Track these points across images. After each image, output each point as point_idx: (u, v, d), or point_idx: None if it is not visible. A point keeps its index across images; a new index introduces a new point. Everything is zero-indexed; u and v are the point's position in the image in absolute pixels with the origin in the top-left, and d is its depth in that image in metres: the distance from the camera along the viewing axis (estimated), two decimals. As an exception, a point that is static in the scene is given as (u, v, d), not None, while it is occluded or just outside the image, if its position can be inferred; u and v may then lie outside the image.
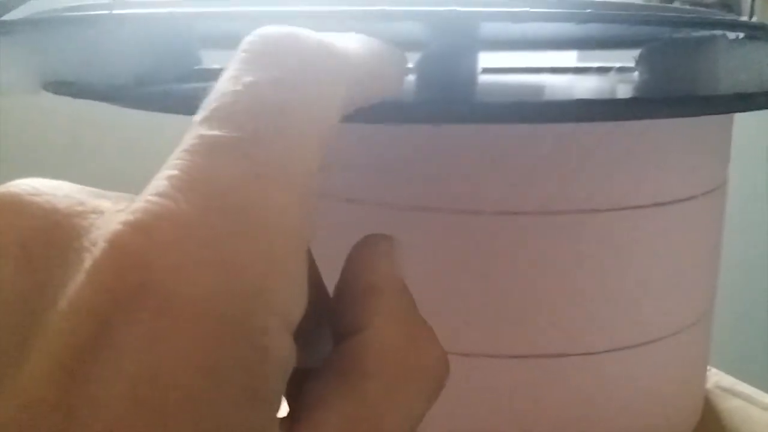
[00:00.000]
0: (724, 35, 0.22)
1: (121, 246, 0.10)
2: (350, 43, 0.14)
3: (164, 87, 0.20)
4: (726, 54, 0.22)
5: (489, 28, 0.22)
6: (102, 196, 0.12)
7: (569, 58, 0.53)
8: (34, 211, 0.11)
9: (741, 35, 0.22)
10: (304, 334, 0.12)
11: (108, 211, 0.11)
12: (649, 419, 0.28)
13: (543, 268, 0.25)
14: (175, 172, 0.11)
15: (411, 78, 0.31)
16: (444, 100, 0.21)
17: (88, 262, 0.10)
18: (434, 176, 0.24)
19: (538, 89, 0.33)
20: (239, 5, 0.16)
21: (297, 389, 0.13)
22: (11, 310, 0.11)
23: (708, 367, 0.35)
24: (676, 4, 1.18)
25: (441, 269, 0.25)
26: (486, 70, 0.38)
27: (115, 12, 0.16)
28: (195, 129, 0.11)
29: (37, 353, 0.10)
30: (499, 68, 0.42)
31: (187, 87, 0.22)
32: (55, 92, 0.20)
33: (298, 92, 0.12)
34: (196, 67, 0.24)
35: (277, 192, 0.11)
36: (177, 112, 0.18)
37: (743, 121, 0.30)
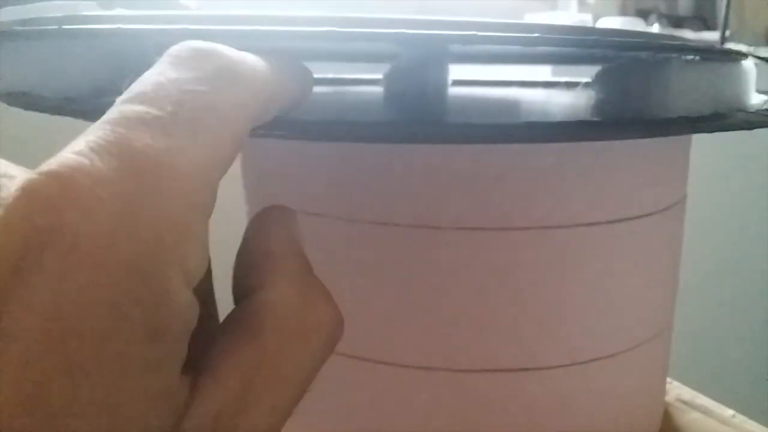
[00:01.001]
0: (678, 57, 0.22)
1: (35, 191, 0.11)
2: (259, 60, 0.15)
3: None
4: (680, 75, 0.22)
5: (455, 45, 0.23)
6: (13, 166, 0.13)
7: (542, 71, 0.54)
8: None
9: (696, 57, 0.23)
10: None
11: (20, 176, 0.12)
12: (606, 433, 0.28)
13: (500, 283, 0.25)
14: (93, 137, 0.12)
15: (380, 91, 0.31)
16: (411, 118, 0.21)
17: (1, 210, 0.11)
18: (393, 191, 0.24)
19: (507, 105, 0.34)
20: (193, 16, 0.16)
21: (200, 351, 0.13)
22: None
23: (669, 380, 0.36)
24: (652, 18, 1.19)
25: (399, 283, 0.25)
26: (456, 83, 0.38)
27: (64, 27, 0.16)
28: (117, 106, 0.12)
29: None
30: (470, 81, 0.42)
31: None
32: (9, 104, 0.20)
33: (215, 92, 0.13)
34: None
35: (187, 165, 0.12)
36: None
37: (704, 137, 0.31)
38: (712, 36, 1.06)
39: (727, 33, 1.01)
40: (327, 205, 0.26)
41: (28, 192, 0.11)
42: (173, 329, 0.12)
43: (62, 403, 0.10)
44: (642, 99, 0.23)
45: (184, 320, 0.12)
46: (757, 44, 1.11)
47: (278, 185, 0.28)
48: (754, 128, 0.20)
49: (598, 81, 0.24)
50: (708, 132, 0.20)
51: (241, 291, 0.15)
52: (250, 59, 0.14)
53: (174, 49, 0.14)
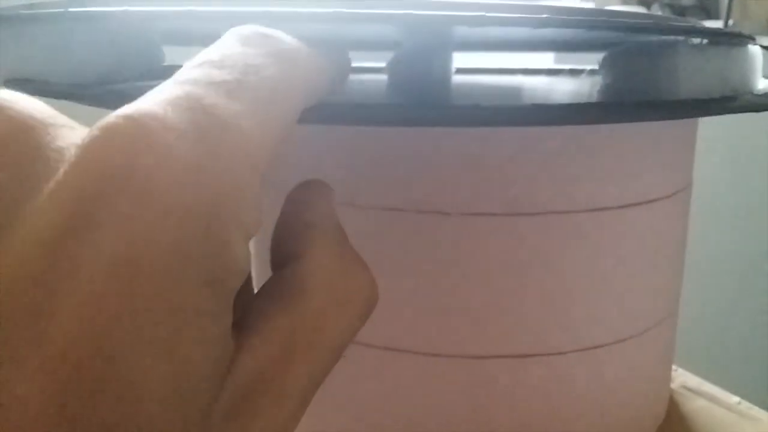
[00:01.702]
0: (686, 40, 0.22)
1: (112, 132, 0.11)
2: (307, 47, 0.15)
3: (127, 85, 0.20)
4: (687, 59, 0.22)
5: (460, 31, 0.23)
6: (73, 121, 0.13)
7: (545, 59, 0.54)
8: (10, 114, 0.12)
9: (703, 40, 0.23)
10: None
11: (80, 127, 0.12)
12: (613, 419, 0.28)
13: (508, 268, 0.25)
14: (164, 92, 0.12)
15: (384, 78, 0.31)
16: (415, 103, 0.21)
17: (73, 150, 0.11)
18: (399, 177, 0.24)
19: (511, 91, 0.34)
20: (199, 4, 0.16)
21: (238, 313, 0.14)
22: None
23: (674, 367, 0.36)
24: (655, 6, 1.19)
25: (407, 270, 0.25)
26: (460, 71, 0.38)
27: (70, 9, 0.16)
28: (185, 69, 0.13)
29: (20, 232, 0.11)
30: (473, 69, 0.42)
31: (151, 84, 0.22)
32: (13, 89, 0.19)
33: (277, 68, 0.14)
34: (160, 65, 0.24)
35: (251, 128, 0.13)
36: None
37: (711, 124, 0.31)
38: (714, 25, 1.06)
39: (730, 22, 1.00)
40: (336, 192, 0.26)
41: (105, 132, 0.11)
42: (231, 279, 0.12)
43: (124, 342, 0.11)
44: (649, 83, 0.23)
45: (239, 272, 0.12)
46: (759, 33, 1.10)
47: (284, 171, 0.28)
48: (763, 110, 0.20)
49: (605, 66, 0.24)
50: (717, 114, 0.20)
51: (280, 259, 0.15)
52: (303, 45, 0.15)
53: (236, 29, 0.14)
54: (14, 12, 0.18)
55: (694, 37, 0.20)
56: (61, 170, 0.11)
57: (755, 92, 0.25)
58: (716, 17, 1.17)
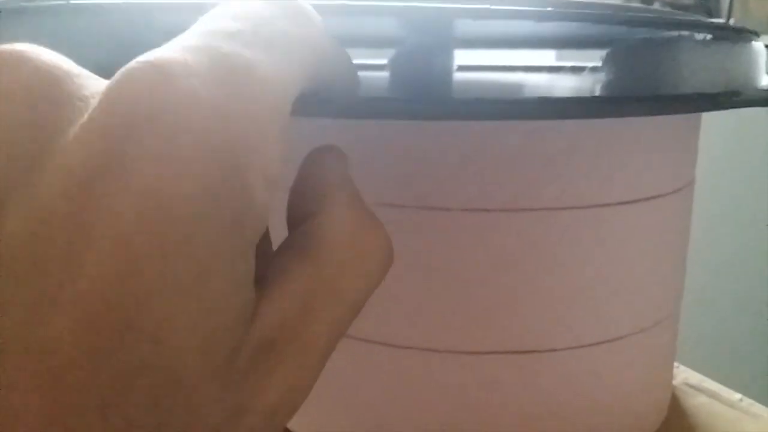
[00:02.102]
0: (690, 35, 0.22)
1: (137, 78, 0.11)
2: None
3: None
4: (691, 54, 0.22)
5: (462, 26, 0.22)
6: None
7: (546, 57, 0.53)
8: (38, 64, 0.12)
9: (707, 36, 0.23)
10: None
11: (104, 80, 0.12)
12: (614, 416, 0.28)
13: (509, 265, 0.25)
14: (183, 41, 0.12)
15: (385, 75, 0.31)
16: (417, 96, 0.21)
17: (99, 96, 0.11)
18: (400, 173, 0.24)
19: (513, 87, 0.34)
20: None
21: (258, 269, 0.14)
22: (22, 137, 0.11)
23: (676, 364, 0.36)
24: (656, 5, 1.18)
25: (407, 265, 0.25)
26: (461, 68, 0.38)
27: (71, 2, 0.16)
28: (200, 22, 0.13)
29: (50, 171, 0.11)
30: (475, 66, 0.42)
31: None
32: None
33: (293, 23, 0.14)
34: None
35: (272, 74, 0.13)
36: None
37: (713, 121, 0.31)
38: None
39: (731, 21, 1.00)
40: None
41: (129, 77, 0.11)
42: (253, 223, 0.12)
43: (153, 282, 0.11)
44: (652, 79, 0.22)
45: (261, 217, 0.13)
46: (760, 32, 1.10)
47: (284, 167, 0.28)
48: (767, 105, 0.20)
49: (608, 62, 0.23)
50: (721, 108, 0.20)
51: (297, 218, 0.16)
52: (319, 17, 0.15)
53: None
54: (15, 4, 0.18)
55: (698, 32, 0.20)
56: (87, 114, 0.11)
57: (759, 88, 0.25)
58: (717, 16, 1.16)
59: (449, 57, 0.29)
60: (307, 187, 0.16)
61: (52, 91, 0.12)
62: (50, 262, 0.10)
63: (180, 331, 0.11)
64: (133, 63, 0.11)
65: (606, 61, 0.24)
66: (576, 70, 0.40)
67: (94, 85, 0.12)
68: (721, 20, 1.03)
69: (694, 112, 0.26)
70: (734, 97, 0.20)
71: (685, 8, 1.24)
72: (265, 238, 0.16)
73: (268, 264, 0.14)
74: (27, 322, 0.10)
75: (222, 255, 0.12)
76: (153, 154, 0.11)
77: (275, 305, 0.13)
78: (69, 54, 0.19)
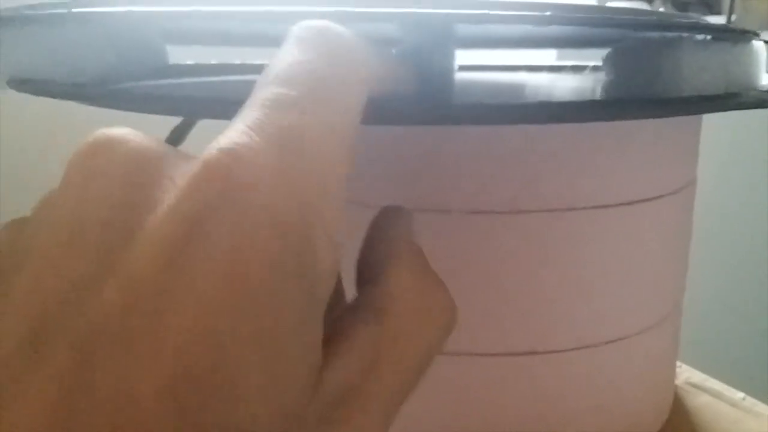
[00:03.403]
0: (690, 36, 0.22)
1: (214, 164, 0.12)
2: (364, 42, 0.16)
3: (129, 84, 0.20)
4: (691, 55, 0.22)
5: (462, 28, 0.22)
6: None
7: (548, 56, 0.53)
8: (131, 146, 0.13)
9: (707, 37, 0.23)
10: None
11: (186, 158, 0.13)
12: (617, 416, 0.28)
13: (510, 266, 0.25)
14: (249, 118, 0.13)
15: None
16: (417, 101, 0.21)
17: (183, 179, 0.12)
18: (402, 175, 0.24)
19: (514, 88, 0.34)
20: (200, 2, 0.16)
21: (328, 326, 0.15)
22: (116, 215, 0.12)
23: (678, 363, 0.36)
24: (657, 3, 1.18)
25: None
26: (462, 68, 0.38)
27: (74, 10, 0.16)
28: (260, 88, 0.14)
29: (140, 245, 0.12)
30: (476, 66, 0.42)
31: (153, 84, 0.22)
32: (18, 90, 0.20)
33: (338, 67, 0.15)
34: (164, 63, 0.24)
35: (329, 138, 0.14)
36: (142, 110, 0.18)
37: (713, 121, 0.31)
38: (716, 21, 1.06)
39: (733, 18, 1.00)
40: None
41: (207, 164, 0.12)
42: (322, 284, 0.13)
43: (233, 342, 0.12)
44: (652, 80, 0.22)
45: (329, 279, 0.14)
46: (761, 28, 1.10)
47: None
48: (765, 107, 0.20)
49: (608, 62, 0.23)
50: (721, 111, 0.20)
51: (365, 280, 0.16)
52: (358, 39, 0.16)
53: (296, 30, 0.15)
54: (16, 12, 0.18)
55: (697, 33, 0.20)
56: (173, 194, 0.12)
57: (759, 88, 0.25)
58: (718, 12, 1.16)
59: (450, 58, 0.29)
60: (373, 249, 0.17)
61: (143, 173, 0.13)
62: (139, 320, 0.11)
63: (258, 391, 0.12)
64: (210, 151, 0.13)
65: (606, 61, 0.24)
66: (577, 69, 0.40)
67: (179, 165, 0.13)
68: (722, 17, 1.03)
69: (693, 114, 0.26)
70: (734, 99, 0.20)
71: (686, 5, 1.24)
72: (338, 295, 0.17)
73: (338, 318, 0.15)
74: (119, 378, 0.11)
75: (294, 319, 0.12)
76: (229, 229, 0.12)
77: (342, 364, 0.14)
78: (70, 62, 0.19)
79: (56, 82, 0.19)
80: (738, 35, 0.22)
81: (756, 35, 0.24)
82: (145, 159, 0.13)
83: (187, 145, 0.30)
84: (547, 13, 0.16)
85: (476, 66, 0.42)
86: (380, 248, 0.17)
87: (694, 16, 0.26)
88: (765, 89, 0.22)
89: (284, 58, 0.15)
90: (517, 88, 0.32)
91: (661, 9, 0.86)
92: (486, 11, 0.16)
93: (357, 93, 0.15)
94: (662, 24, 0.19)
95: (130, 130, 0.14)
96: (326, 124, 0.14)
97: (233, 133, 0.13)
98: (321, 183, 0.13)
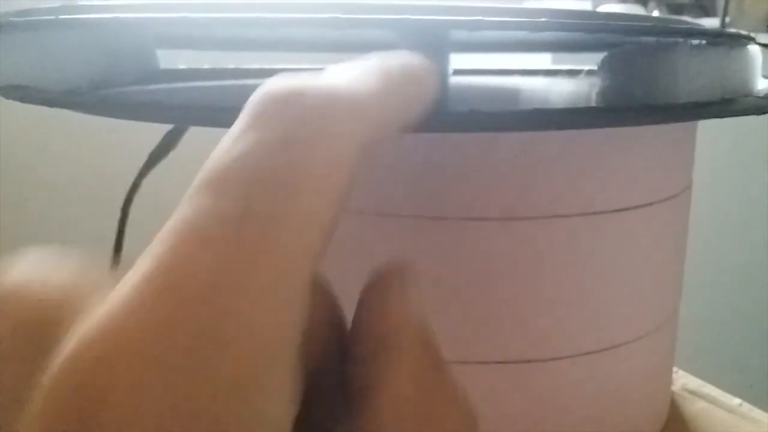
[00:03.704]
0: (685, 41, 0.22)
1: (72, 376, 0.09)
2: (367, 75, 0.13)
3: (120, 91, 0.20)
4: (686, 60, 0.22)
5: (457, 33, 0.22)
6: (94, 276, 0.12)
7: (543, 59, 0.53)
8: (23, 305, 0.11)
9: (702, 42, 0.22)
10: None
11: (93, 301, 0.11)
12: (613, 424, 0.28)
13: (506, 273, 0.24)
14: (146, 266, 0.10)
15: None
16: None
17: (48, 381, 0.10)
18: (396, 182, 0.24)
19: (509, 93, 0.33)
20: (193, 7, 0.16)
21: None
22: (6, 373, 0.11)
23: (675, 369, 0.36)
24: (652, 5, 1.18)
25: (405, 275, 0.25)
26: (457, 72, 0.38)
27: (61, 17, 0.16)
28: (188, 198, 0.10)
29: (32, 413, 0.10)
30: (471, 70, 0.42)
31: (144, 90, 0.21)
32: (6, 96, 0.19)
33: (304, 152, 0.11)
34: (155, 68, 0.24)
35: (266, 289, 0.10)
36: (132, 118, 0.18)
37: (711, 124, 0.30)
38: (711, 23, 1.06)
39: (727, 20, 1.00)
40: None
41: (66, 377, 0.09)
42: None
43: None
44: (648, 85, 0.22)
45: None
46: (756, 31, 1.10)
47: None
48: (763, 113, 0.20)
49: (603, 67, 0.23)
50: (716, 117, 0.19)
51: (356, 384, 0.12)
52: (353, 85, 0.12)
53: (252, 104, 0.11)
54: (5, 19, 0.18)
55: (692, 38, 0.20)
56: (33, 409, 0.10)
57: (755, 93, 0.25)
58: (714, 15, 1.17)
59: (445, 62, 0.28)
60: (364, 345, 0.13)
61: (34, 339, 0.11)
62: None
63: None
64: (74, 343, 0.10)
65: (601, 67, 0.24)
66: (572, 73, 0.40)
67: (78, 321, 0.10)
68: (716, 19, 1.03)
69: (687, 121, 0.26)
70: (728, 105, 0.20)
71: (681, 7, 1.24)
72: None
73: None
74: None
75: None
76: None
77: None
78: (60, 68, 0.19)
79: (46, 90, 0.19)
80: (733, 40, 0.22)
81: (752, 39, 0.24)
82: (38, 316, 0.11)
83: (181, 150, 0.30)
84: (543, 19, 0.16)
85: (471, 70, 0.42)
86: (370, 342, 0.12)
87: (689, 22, 0.26)
88: (761, 95, 0.22)
89: (226, 149, 0.11)
90: (512, 94, 0.32)
91: (656, 12, 0.86)
92: (480, 18, 0.16)
93: (336, 177, 0.11)
94: (657, 29, 0.19)
95: (32, 271, 0.12)
96: (264, 263, 0.10)
97: (111, 307, 0.10)
98: (234, 376, 0.09)
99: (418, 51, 0.24)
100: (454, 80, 0.30)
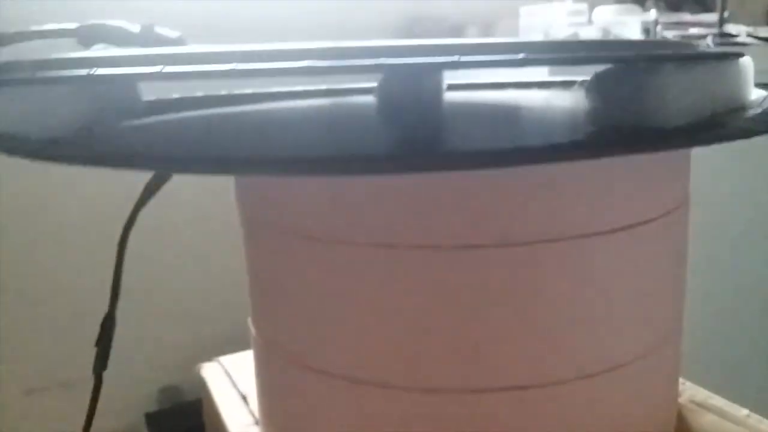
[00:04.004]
0: (671, 63, 0.21)
1: None
2: None
3: (105, 135, 0.20)
4: (674, 79, 0.21)
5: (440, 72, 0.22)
6: None
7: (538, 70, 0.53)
8: None
9: (691, 61, 0.22)
10: None
11: None
12: (619, 443, 0.27)
13: (504, 299, 0.24)
14: None
15: (372, 101, 0.31)
16: (411, 152, 0.21)
17: None
18: (391, 212, 0.24)
19: (506, 113, 0.33)
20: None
21: None
22: None
23: (682, 381, 0.35)
24: (649, 3, 1.17)
25: (402, 305, 0.25)
26: (451, 87, 0.38)
27: (38, 75, 0.15)
28: None
29: None
30: (465, 85, 0.42)
31: (125, 135, 0.21)
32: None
33: None
34: (140, 103, 0.24)
35: None
36: (114, 167, 0.18)
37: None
38: (710, 18, 1.05)
39: (726, 14, 1.00)
40: (325, 228, 0.25)
41: None
42: None
43: None
44: (638, 105, 0.22)
45: None
46: (756, 24, 1.09)
47: (276, 210, 0.27)
48: (752, 136, 0.19)
49: (592, 89, 0.23)
50: (707, 144, 0.19)
51: None
52: None
53: None
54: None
55: (678, 62, 0.20)
56: None
57: (747, 105, 0.25)
58: (712, 9, 1.16)
59: (439, 80, 0.28)
60: None
61: None
62: None
63: None
64: None
65: (590, 88, 0.24)
66: (566, 85, 0.40)
67: None
68: (715, 14, 1.02)
69: (676, 149, 0.25)
70: (718, 130, 0.20)
71: (679, 3, 1.23)
72: None
73: None
74: None
75: None
76: None
77: None
78: (38, 122, 0.19)
79: (30, 140, 0.19)
80: (721, 57, 0.22)
81: (740, 55, 0.24)
82: None
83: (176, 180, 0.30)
84: (521, 56, 0.16)
85: (465, 85, 0.41)
86: None
87: (673, 43, 0.26)
88: (750, 115, 0.22)
89: None
90: (510, 113, 0.32)
91: (653, 11, 0.86)
92: (459, 57, 0.16)
93: None
94: (642, 59, 0.19)
95: None
96: None
97: None
98: None
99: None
100: (448, 96, 0.30)
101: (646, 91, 0.22)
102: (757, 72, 0.26)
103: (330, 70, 0.16)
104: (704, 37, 0.87)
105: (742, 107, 0.25)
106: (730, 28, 0.95)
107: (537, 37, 0.91)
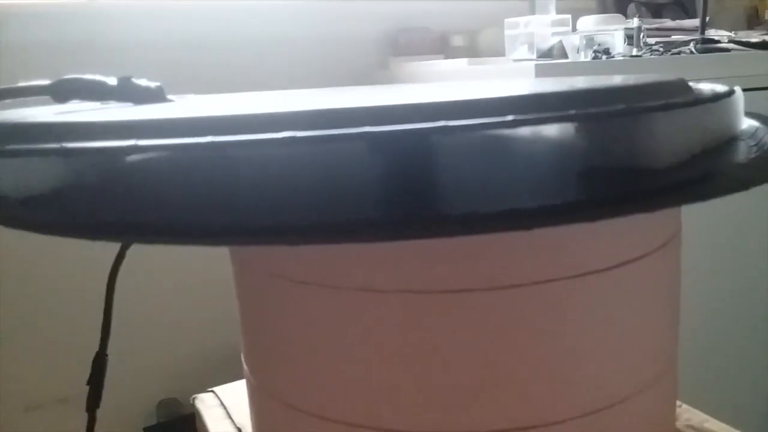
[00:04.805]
0: (662, 106, 0.21)
1: None
2: None
3: (82, 205, 0.19)
4: (663, 124, 0.21)
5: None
6: None
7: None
8: None
9: (682, 103, 0.22)
10: None
11: None
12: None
13: (498, 341, 0.24)
14: None
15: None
16: (401, 219, 0.20)
17: None
18: (378, 257, 0.24)
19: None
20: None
21: None
22: None
23: (678, 403, 0.35)
24: (632, 9, 1.17)
25: (394, 349, 0.24)
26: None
27: (9, 147, 0.15)
28: None
29: None
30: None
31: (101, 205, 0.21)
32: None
33: None
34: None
35: None
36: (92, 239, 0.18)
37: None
38: (692, 23, 1.06)
39: (707, 19, 1.00)
40: (313, 272, 0.25)
41: None
42: None
43: None
44: (628, 147, 0.22)
45: None
46: (736, 28, 1.10)
47: (262, 252, 0.27)
48: (746, 188, 0.19)
49: (580, 131, 0.23)
50: (699, 201, 0.19)
51: None
52: None
53: None
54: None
55: (665, 110, 0.20)
56: None
57: (739, 136, 0.25)
58: (694, 14, 1.16)
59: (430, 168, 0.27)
60: None
61: None
62: None
63: None
64: None
65: (579, 129, 0.23)
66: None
67: None
68: (696, 19, 1.03)
69: (663, 209, 0.25)
70: (708, 185, 0.19)
71: (660, 7, 1.24)
72: None
73: None
74: None
75: None
76: None
77: None
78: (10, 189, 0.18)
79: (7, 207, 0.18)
80: (710, 99, 0.22)
81: (731, 92, 0.23)
82: None
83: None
84: (510, 118, 0.15)
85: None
86: None
87: (657, 85, 0.25)
88: (742, 165, 0.22)
89: None
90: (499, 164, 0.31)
91: (636, 19, 0.86)
92: (445, 124, 0.15)
93: None
94: (629, 111, 0.19)
95: None
96: None
97: None
98: None
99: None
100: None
101: (637, 134, 0.21)
102: (741, 77, 0.26)
103: (312, 140, 0.15)
104: (687, 43, 0.87)
105: (734, 137, 0.25)
106: (712, 33, 0.96)
107: (522, 51, 0.91)
